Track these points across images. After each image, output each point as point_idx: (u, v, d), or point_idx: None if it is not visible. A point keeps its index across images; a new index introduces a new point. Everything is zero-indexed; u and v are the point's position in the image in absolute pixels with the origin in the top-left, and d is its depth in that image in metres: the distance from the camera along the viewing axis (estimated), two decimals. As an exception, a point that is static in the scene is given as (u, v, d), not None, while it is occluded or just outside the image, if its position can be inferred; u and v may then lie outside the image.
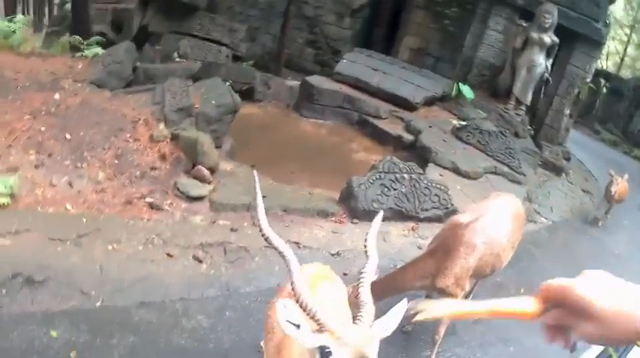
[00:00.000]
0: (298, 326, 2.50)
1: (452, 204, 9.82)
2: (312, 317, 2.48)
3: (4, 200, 7.00)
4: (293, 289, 2.54)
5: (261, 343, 4.42)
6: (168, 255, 6.93)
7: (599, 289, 1.53)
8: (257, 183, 3.27)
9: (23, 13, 38.35)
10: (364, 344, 2.43)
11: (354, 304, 4.72)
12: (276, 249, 2.83)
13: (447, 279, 5.59)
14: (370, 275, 2.82)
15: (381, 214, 3.46)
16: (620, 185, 12.70)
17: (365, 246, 3.03)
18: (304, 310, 2.49)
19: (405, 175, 9.71)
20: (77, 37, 14.17)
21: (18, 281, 5.87)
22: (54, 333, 5.37)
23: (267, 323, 3.86)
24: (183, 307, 6.16)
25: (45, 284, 5.96)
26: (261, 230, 2.92)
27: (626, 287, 1.55)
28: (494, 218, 6.06)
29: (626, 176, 12.99)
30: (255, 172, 3.59)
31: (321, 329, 2.48)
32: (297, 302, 2.52)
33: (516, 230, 6.37)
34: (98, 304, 5.97)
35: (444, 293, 5.76)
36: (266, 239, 2.88)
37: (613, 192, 12.57)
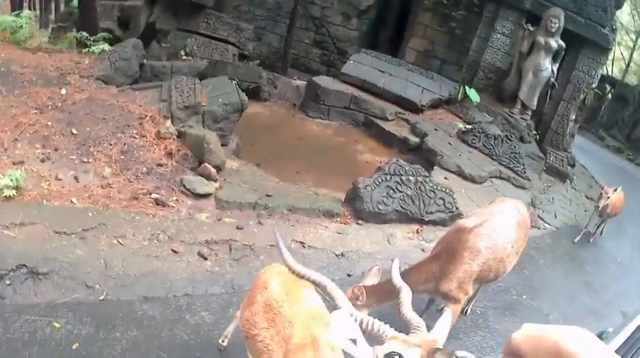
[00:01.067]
0: (354, 341, 2.95)
1: (457, 208, 9.83)
2: (376, 331, 3.00)
3: (10, 192, 7.05)
4: (352, 315, 3.02)
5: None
6: (173, 251, 6.95)
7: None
8: (280, 242, 3.87)
9: (30, 9, 38.52)
10: (431, 344, 2.93)
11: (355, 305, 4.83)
12: (317, 284, 3.34)
13: (450, 283, 5.63)
14: (408, 299, 3.45)
15: (397, 262, 4.13)
16: (615, 197, 11.82)
17: (394, 281, 3.75)
18: (366, 327, 3.01)
19: (411, 178, 9.71)
20: (84, 33, 14.17)
21: (22, 273, 5.93)
22: (57, 325, 5.43)
23: (249, 325, 4.08)
24: (187, 303, 6.20)
25: (49, 276, 6.02)
26: (295, 272, 3.61)
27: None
28: (499, 223, 6.08)
29: (619, 188, 11.98)
30: (277, 234, 3.75)
31: (384, 339, 2.98)
32: (358, 323, 3.00)
33: (521, 236, 6.38)
34: (102, 297, 6.02)
35: (447, 297, 5.78)
36: (302, 277, 3.55)
37: (601, 206, 11.64)
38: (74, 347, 5.18)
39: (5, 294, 5.69)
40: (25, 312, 5.48)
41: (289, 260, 3.45)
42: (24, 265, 5.98)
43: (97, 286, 6.11)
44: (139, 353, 5.34)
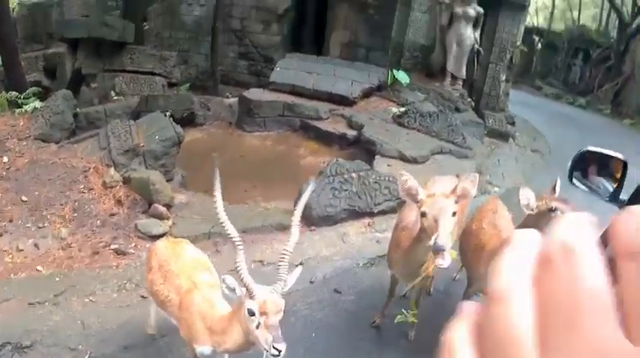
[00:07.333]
0: (234, 290, 4.00)
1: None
2: (247, 288, 3.93)
3: (-22, 273, 7.25)
4: (237, 267, 3.95)
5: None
6: (142, 296, 7.18)
7: None
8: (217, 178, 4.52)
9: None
10: (276, 308, 3.90)
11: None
12: (228, 236, 4.22)
13: None
14: (290, 252, 4.13)
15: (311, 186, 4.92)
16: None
17: (291, 223, 4.40)
18: (243, 282, 3.95)
19: (353, 174, 10.03)
20: (13, 92, 14.24)
21: (7, 350, 6.13)
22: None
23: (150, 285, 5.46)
24: (166, 343, 6.41)
25: (33, 347, 6.22)
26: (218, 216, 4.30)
27: None
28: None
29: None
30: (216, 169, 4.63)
31: (251, 295, 3.90)
32: (240, 276, 3.95)
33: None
34: (87, 356, 6.24)
35: None
36: (221, 224, 4.25)
37: None
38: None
39: (-4, 372, 5.89)
40: (17, 386, 5.74)
41: (220, 208, 4.32)
42: (7, 342, 6.17)
43: (80, 347, 6.33)
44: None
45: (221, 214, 4.27)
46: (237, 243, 4.13)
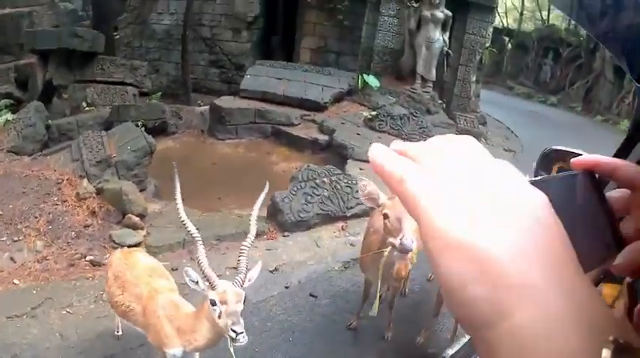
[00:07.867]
0: (197, 283, 4.28)
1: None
2: (208, 280, 4.22)
3: (-47, 288, 7.26)
4: (199, 261, 4.27)
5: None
6: (118, 306, 7.26)
7: None
8: (177, 181, 4.94)
9: None
10: (236, 298, 4.16)
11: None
12: (189, 232, 4.65)
13: None
14: (249, 246, 4.51)
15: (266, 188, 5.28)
16: None
17: (249, 221, 4.84)
18: (204, 274, 4.25)
19: (325, 179, 10.12)
20: (-16, 105, 14.24)
21: (-13, 365, 6.13)
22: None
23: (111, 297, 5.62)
24: (145, 352, 6.44)
25: (13, 362, 6.24)
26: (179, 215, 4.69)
27: None
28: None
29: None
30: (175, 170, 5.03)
31: (212, 286, 4.20)
32: (201, 269, 4.23)
33: None
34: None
35: None
36: (182, 223, 4.66)
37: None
38: None
39: (-24, 389, 5.89)
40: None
41: (180, 206, 4.78)
42: (-14, 358, 6.17)
43: (60, 359, 6.37)
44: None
45: (181, 212, 4.68)
46: (197, 239, 4.54)
